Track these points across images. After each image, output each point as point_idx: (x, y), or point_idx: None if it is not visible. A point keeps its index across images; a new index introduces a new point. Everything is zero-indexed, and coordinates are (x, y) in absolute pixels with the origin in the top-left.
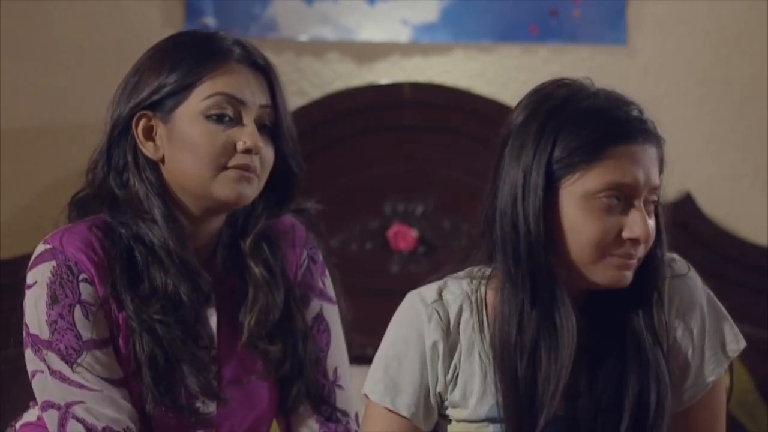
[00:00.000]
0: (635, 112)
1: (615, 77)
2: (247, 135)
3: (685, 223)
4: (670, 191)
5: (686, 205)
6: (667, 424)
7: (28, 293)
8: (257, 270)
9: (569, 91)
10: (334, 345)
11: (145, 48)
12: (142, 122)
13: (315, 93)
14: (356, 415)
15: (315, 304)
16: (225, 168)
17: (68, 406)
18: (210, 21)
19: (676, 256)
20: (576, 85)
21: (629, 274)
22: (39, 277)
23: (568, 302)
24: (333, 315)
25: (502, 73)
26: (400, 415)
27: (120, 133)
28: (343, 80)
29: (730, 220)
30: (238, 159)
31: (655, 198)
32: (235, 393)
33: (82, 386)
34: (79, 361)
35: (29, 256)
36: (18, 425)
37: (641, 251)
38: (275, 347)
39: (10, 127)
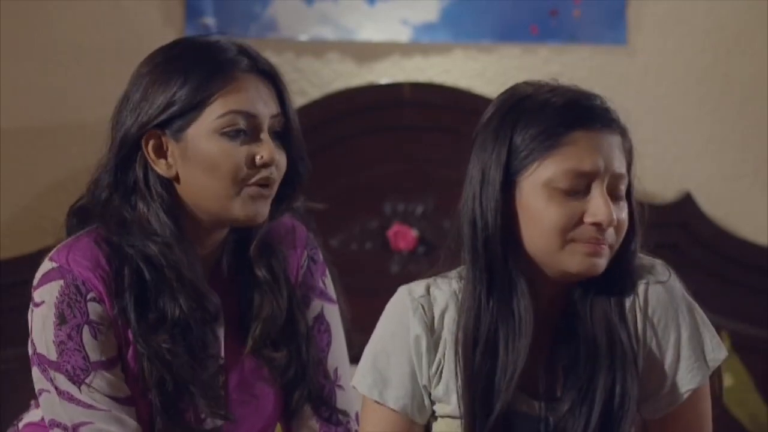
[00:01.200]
0: (597, 102)
1: (615, 77)
2: (264, 149)
3: (685, 223)
4: (670, 191)
5: (686, 205)
6: (632, 417)
7: (36, 311)
8: (261, 275)
9: (532, 88)
10: (335, 345)
11: (146, 48)
12: (152, 141)
13: (315, 93)
14: (356, 415)
15: (316, 305)
16: (245, 185)
17: (75, 427)
18: (210, 21)
19: (658, 261)
20: (541, 83)
21: (601, 262)
22: (46, 297)
23: (527, 293)
24: (334, 315)
25: (502, 73)
26: (389, 408)
27: (128, 153)
28: (343, 80)
29: (730, 219)
30: (257, 173)
31: (623, 188)
32: (242, 401)
33: (90, 406)
34: (87, 381)
35: (29, 256)
36: (21, 425)
37: (611, 237)
38: (280, 354)
39: (10, 127)
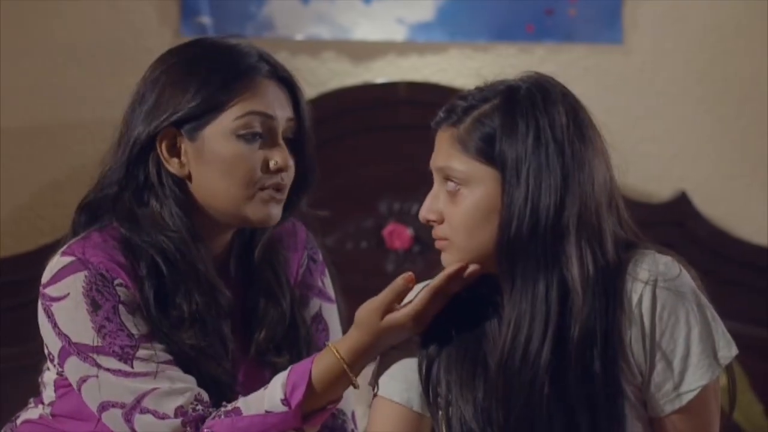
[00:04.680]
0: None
1: (611, 76)
2: (278, 155)
3: (681, 222)
4: (666, 190)
5: (682, 204)
6: (624, 407)
7: (58, 305)
8: (266, 279)
9: None
10: None
11: (142, 47)
12: (166, 140)
13: (311, 92)
14: (353, 415)
15: (314, 304)
16: (259, 189)
17: (139, 399)
18: (206, 20)
19: (668, 258)
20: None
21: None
22: (70, 288)
23: None
24: (332, 314)
25: (498, 73)
26: (394, 402)
27: (141, 150)
28: (338, 79)
29: (727, 219)
30: (271, 178)
31: (455, 179)
32: None
33: (147, 374)
34: (137, 355)
35: (29, 254)
36: (19, 422)
37: (441, 231)
38: (282, 359)
39: (10, 126)
